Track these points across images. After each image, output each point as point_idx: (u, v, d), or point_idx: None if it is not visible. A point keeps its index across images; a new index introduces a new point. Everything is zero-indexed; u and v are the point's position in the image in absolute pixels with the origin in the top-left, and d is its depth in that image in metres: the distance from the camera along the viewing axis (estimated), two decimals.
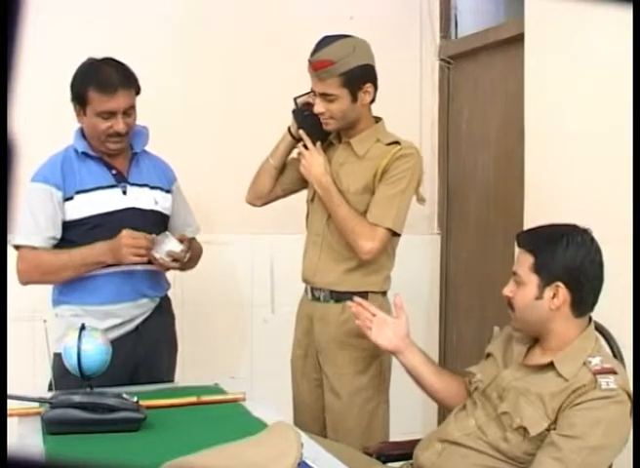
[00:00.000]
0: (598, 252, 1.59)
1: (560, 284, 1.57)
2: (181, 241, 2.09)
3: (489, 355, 1.80)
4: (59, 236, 2.09)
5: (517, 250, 1.67)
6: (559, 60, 2.40)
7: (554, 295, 1.58)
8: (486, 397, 1.69)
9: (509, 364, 1.70)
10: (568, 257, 1.57)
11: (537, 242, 1.62)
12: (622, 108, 1.88)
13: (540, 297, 1.59)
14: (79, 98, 2.05)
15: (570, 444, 1.48)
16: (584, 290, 1.60)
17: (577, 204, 2.28)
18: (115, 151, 2.11)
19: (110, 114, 2.03)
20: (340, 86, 2.07)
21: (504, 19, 3.10)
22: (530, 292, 1.61)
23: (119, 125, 2.04)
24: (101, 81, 2.03)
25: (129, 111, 2.06)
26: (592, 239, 1.60)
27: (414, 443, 1.84)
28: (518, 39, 2.63)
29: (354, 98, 2.11)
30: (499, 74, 2.98)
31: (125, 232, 2.02)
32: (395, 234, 2.15)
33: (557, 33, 2.39)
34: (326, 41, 2.08)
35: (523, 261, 1.62)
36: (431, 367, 1.90)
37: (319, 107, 2.12)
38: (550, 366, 1.58)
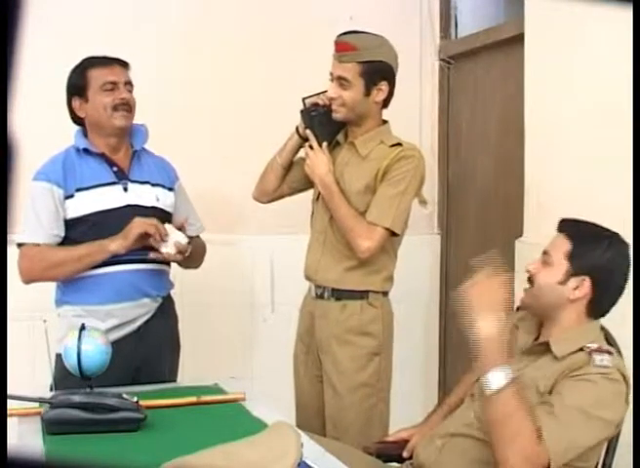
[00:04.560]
0: (630, 266, 1.59)
1: (587, 279, 1.57)
2: (180, 229, 2.11)
3: None
4: (62, 234, 2.09)
5: (554, 234, 1.65)
6: (559, 60, 2.40)
7: (577, 287, 1.58)
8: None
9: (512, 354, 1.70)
10: (605, 258, 1.57)
11: (580, 232, 1.62)
12: (622, 108, 1.88)
13: (563, 283, 1.59)
14: (79, 85, 2.11)
15: (562, 402, 1.47)
16: (607, 293, 1.60)
17: (577, 204, 2.28)
18: (123, 128, 2.13)
19: (113, 85, 2.09)
20: (357, 74, 2.10)
21: (504, 19, 3.09)
22: (556, 275, 1.60)
23: (124, 93, 2.10)
24: (99, 60, 2.12)
25: (128, 87, 2.12)
26: (629, 254, 1.59)
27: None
28: (518, 39, 2.63)
29: (367, 92, 2.12)
30: (499, 74, 2.98)
31: (137, 218, 2.05)
32: (394, 234, 2.16)
33: (557, 33, 2.39)
34: (357, 31, 2.13)
35: (559, 245, 1.61)
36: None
37: (332, 92, 2.14)
38: (547, 350, 1.59)
